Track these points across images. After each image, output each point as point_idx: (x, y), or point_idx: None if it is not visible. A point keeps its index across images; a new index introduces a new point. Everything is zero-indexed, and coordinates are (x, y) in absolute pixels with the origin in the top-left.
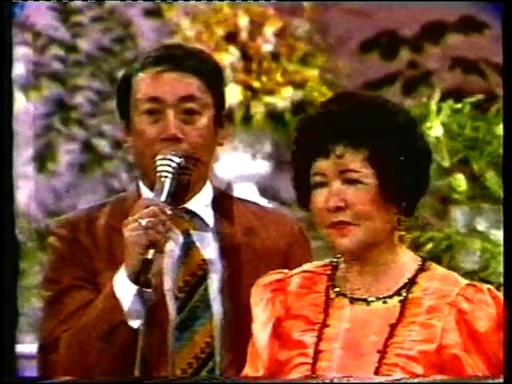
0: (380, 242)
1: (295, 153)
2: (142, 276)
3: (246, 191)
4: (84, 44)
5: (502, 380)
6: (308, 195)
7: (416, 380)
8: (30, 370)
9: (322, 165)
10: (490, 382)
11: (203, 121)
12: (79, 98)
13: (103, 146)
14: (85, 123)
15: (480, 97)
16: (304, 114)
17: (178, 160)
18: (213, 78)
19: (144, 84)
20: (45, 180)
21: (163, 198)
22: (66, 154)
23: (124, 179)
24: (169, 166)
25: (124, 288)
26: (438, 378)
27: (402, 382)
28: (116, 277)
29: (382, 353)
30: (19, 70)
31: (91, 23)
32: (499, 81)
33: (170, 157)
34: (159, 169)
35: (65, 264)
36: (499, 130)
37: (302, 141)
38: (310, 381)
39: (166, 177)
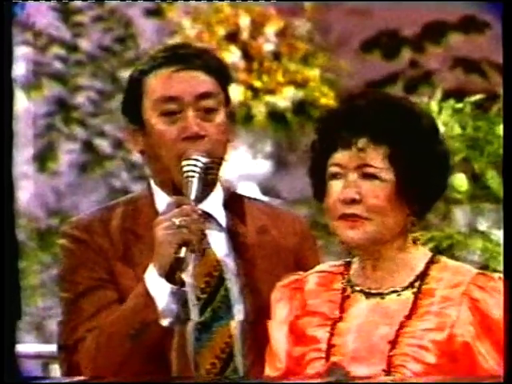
0: (390, 240)
1: (315, 143)
2: (175, 274)
3: (247, 190)
4: (85, 44)
5: (501, 380)
6: (323, 186)
7: (415, 380)
8: (31, 369)
9: (342, 156)
10: (490, 381)
11: (220, 117)
12: (80, 98)
13: (104, 145)
14: (86, 123)
15: (481, 96)
16: (320, 111)
17: (204, 160)
18: (222, 74)
19: (158, 85)
20: (46, 179)
21: (192, 197)
22: (67, 153)
23: (125, 179)
24: (195, 165)
25: (158, 286)
26: (433, 378)
27: (402, 382)
28: (147, 275)
29: (394, 343)
30: (20, 69)
31: (92, 23)
32: (500, 80)
33: (196, 157)
34: (186, 169)
35: (82, 265)
36: (500, 129)
37: (324, 131)
38: (319, 380)
39: (193, 177)
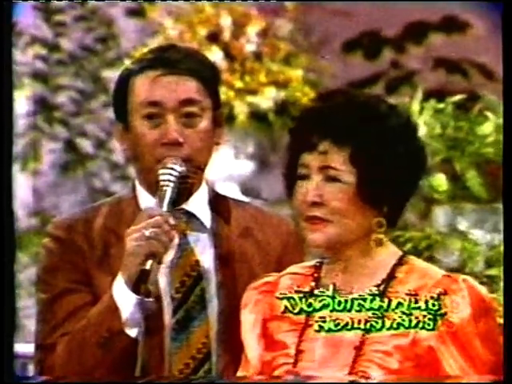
0: (354, 242)
1: (289, 143)
2: (141, 286)
3: (228, 191)
4: (66, 43)
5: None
6: (293, 185)
7: (417, 381)
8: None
9: (307, 158)
10: (490, 382)
11: (203, 123)
12: (62, 98)
13: (86, 145)
14: (68, 123)
15: (462, 97)
16: (305, 106)
17: (179, 169)
18: (210, 79)
19: (143, 88)
20: (27, 179)
21: (165, 207)
22: (49, 153)
23: (106, 179)
24: (170, 175)
25: (123, 296)
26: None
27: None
28: (114, 285)
29: (358, 349)
30: None
31: (74, 22)
32: (482, 80)
33: (171, 166)
34: (161, 178)
35: (60, 266)
36: (481, 129)
37: (295, 132)
38: (306, 381)
39: (168, 186)
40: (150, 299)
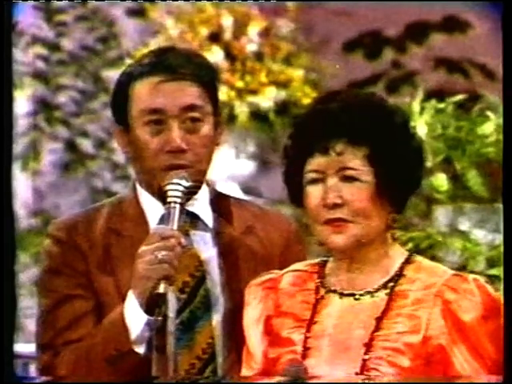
0: (373, 240)
1: (290, 148)
2: (155, 309)
3: (229, 191)
4: (67, 43)
5: (501, 380)
6: (300, 191)
7: (420, 381)
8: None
9: (320, 161)
10: (490, 382)
11: (205, 128)
12: (63, 98)
13: (86, 145)
14: (68, 122)
15: (463, 97)
16: (302, 111)
17: (186, 184)
18: (211, 83)
19: (144, 95)
20: (27, 179)
21: (175, 225)
22: (50, 153)
23: (107, 179)
24: (177, 190)
25: (135, 316)
26: (438, 379)
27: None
28: (126, 305)
29: (368, 346)
30: None
31: (75, 22)
32: (482, 80)
33: (178, 181)
34: (169, 194)
35: (61, 270)
36: (482, 129)
37: (299, 136)
38: (307, 381)
39: (176, 202)
40: (159, 318)
